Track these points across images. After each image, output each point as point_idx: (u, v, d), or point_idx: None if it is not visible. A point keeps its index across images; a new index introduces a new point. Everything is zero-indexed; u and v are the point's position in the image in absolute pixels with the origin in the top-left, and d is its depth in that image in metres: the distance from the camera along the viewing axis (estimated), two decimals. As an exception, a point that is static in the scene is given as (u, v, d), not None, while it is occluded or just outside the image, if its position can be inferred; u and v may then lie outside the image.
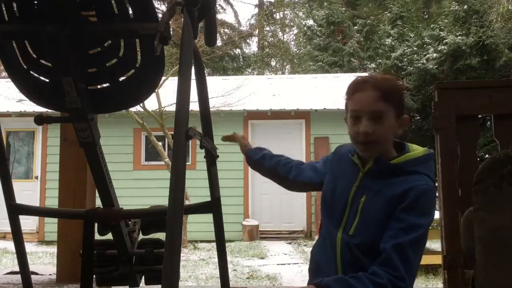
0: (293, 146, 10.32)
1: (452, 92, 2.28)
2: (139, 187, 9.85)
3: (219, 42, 18.45)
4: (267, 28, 25.39)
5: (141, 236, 1.95)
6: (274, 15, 25.60)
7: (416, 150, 1.48)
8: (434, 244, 6.80)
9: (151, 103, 8.63)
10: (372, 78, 1.48)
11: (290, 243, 9.45)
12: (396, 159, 1.44)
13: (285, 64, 24.98)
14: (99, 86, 1.60)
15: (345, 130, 1.52)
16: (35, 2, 1.39)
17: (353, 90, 1.47)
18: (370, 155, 1.46)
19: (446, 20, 15.90)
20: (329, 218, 1.51)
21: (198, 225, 8.47)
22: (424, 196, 1.37)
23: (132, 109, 8.92)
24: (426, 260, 5.72)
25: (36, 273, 4.06)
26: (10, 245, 7.78)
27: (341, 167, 1.56)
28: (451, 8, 15.56)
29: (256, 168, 1.83)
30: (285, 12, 25.57)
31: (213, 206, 1.90)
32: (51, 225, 9.23)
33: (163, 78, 8.05)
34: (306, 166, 1.72)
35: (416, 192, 1.36)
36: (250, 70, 23.59)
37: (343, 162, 1.57)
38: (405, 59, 15.80)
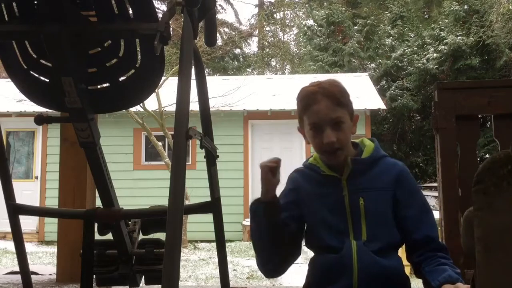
0: (293, 146, 10.32)
1: (452, 92, 2.28)
2: (139, 187, 9.84)
3: (219, 42, 18.45)
4: (267, 28, 25.38)
5: (141, 236, 1.95)
6: (274, 15, 25.59)
7: (364, 140, 1.57)
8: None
9: (151, 103, 8.63)
10: (320, 87, 1.49)
11: (290, 243, 9.43)
12: (364, 153, 1.53)
13: (285, 64, 24.97)
14: (99, 86, 1.60)
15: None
16: (35, 2, 1.39)
17: (307, 103, 1.49)
18: (338, 161, 1.49)
19: (446, 20, 15.89)
20: (330, 232, 1.48)
21: (198, 225, 8.46)
22: (408, 172, 1.56)
23: (132, 109, 8.91)
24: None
25: (36, 273, 4.04)
26: (10, 245, 7.77)
27: (316, 187, 1.53)
28: (452, 8, 15.55)
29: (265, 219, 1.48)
30: (285, 12, 25.55)
31: (213, 206, 1.89)
32: (51, 225, 9.22)
33: (163, 78, 8.04)
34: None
35: (405, 173, 1.53)
36: (250, 70, 23.57)
37: (313, 182, 1.55)
38: (405, 59, 15.79)
